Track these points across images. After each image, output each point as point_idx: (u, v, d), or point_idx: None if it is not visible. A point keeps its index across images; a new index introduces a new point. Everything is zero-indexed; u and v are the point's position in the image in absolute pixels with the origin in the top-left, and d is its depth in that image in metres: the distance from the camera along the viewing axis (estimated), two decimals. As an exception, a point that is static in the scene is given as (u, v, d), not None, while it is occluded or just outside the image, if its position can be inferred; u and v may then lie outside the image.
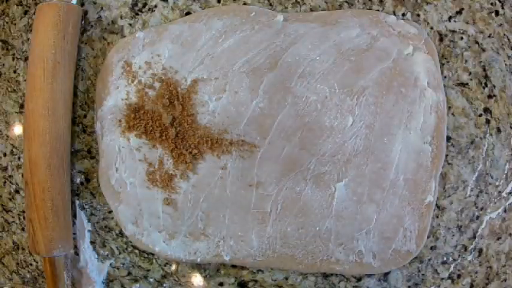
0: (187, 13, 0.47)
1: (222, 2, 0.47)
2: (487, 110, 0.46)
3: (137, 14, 0.48)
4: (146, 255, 0.48)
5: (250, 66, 0.45)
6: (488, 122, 0.46)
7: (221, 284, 0.48)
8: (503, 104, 0.46)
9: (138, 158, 0.46)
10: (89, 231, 0.49)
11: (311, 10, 0.47)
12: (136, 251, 0.48)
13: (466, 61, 0.46)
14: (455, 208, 0.47)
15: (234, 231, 0.46)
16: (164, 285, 0.49)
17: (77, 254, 0.49)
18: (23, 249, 0.50)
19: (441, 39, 0.46)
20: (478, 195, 0.46)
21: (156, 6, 0.47)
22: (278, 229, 0.46)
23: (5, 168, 0.50)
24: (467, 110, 0.46)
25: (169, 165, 0.46)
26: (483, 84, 0.46)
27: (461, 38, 0.46)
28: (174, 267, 0.48)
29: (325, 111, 0.45)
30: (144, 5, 0.48)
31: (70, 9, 0.45)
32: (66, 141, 0.46)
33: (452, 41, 0.46)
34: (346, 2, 0.47)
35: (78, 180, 0.49)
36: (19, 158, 0.50)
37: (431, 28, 0.46)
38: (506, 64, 0.46)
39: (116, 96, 0.46)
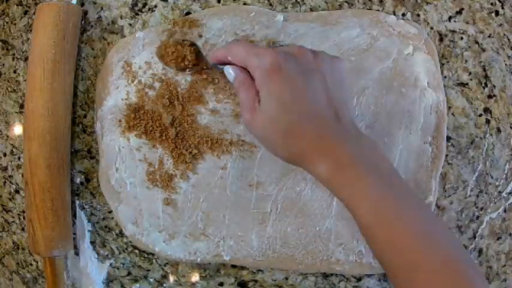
0: (188, 13, 0.47)
1: (222, 2, 0.47)
2: (487, 110, 0.46)
3: (137, 14, 0.48)
4: (146, 255, 0.48)
5: (250, 66, 0.45)
6: (488, 122, 0.46)
7: (221, 284, 0.48)
8: (503, 104, 0.46)
9: (138, 158, 0.46)
10: (89, 231, 0.49)
11: (311, 10, 0.47)
12: (136, 251, 0.48)
13: (466, 61, 0.46)
14: (455, 208, 0.47)
15: (234, 231, 0.46)
16: (164, 285, 0.49)
17: (77, 254, 0.49)
18: (23, 249, 0.50)
19: (441, 39, 0.46)
20: (478, 195, 0.46)
21: (156, 6, 0.47)
22: (278, 229, 0.46)
23: (5, 168, 0.50)
24: (467, 110, 0.46)
25: (169, 165, 0.46)
26: (483, 84, 0.46)
27: (461, 38, 0.46)
28: (174, 267, 0.48)
29: (325, 111, 0.45)
30: (144, 5, 0.48)
31: (70, 9, 0.45)
32: (66, 141, 0.46)
33: (452, 41, 0.46)
34: (346, 2, 0.47)
35: (78, 180, 0.49)
36: (19, 158, 0.50)
37: (431, 28, 0.46)
38: (506, 64, 0.46)
39: (116, 96, 0.46)
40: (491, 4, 0.46)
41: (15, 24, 0.49)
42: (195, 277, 0.48)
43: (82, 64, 0.48)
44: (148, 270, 0.49)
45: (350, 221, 0.45)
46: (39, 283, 0.50)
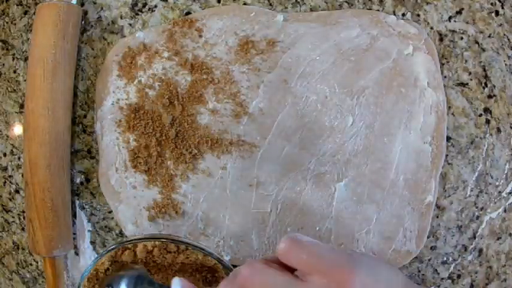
0: (188, 13, 0.47)
1: (222, 2, 0.47)
2: (487, 110, 0.46)
3: (137, 14, 0.48)
4: (146, 255, 0.48)
5: (250, 66, 0.45)
6: (488, 122, 0.46)
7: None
8: (503, 104, 0.46)
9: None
10: (89, 231, 0.49)
11: (311, 10, 0.47)
12: (136, 251, 0.48)
13: (466, 61, 0.46)
14: (455, 208, 0.47)
15: (234, 231, 0.46)
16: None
17: (77, 254, 0.49)
18: (23, 249, 0.50)
19: (441, 39, 0.46)
20: (478, 195, 0.46)
21: (156, 6, 0.47)
22: (278, 229, 0.46)
23: (5, 168, 0.50)
24: (467, 110, 0.46)
25: (169, 165, 0.46)
26: (483, 84, 0.46)
27: (461, 38, 0.46)
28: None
29: (325, 111, 0.45)
30: (144, 5, 0.48)
31: (70, 9, 0.45)
32: (66, 141, 0.46)
33: (452, 41, 0.46)
34: (346, 2, 0.47)
35: (78, 180, 0.49)
36: (19, 158, 0.50)
37: (431, 28, 0.46)
38: (506, 64, 0.46)
39: (116, 96, 0.46)
40: (491, 4, 0.46)
41: (15, 24, 0.49)
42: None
43: (82, 64, 0.48)
44: (148, 270, 0.49)
45: (350, 221, 0.45)
46: (39, 283, 0.50)
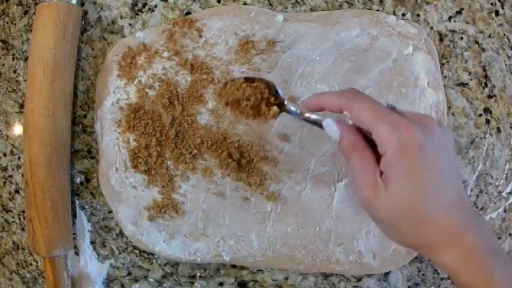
0: (188, 13, 0.47)
1: (222, 2, 0.47)
2: (487, 110, 0.46)
3: (137, 14, 0.48)
4: (146, 255, 0.48)
5: (250, 66, 0.45)
6: (488, 122, 0.46)
7: (221, 284, 0.48)
8: (503, 104, 0.46)
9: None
10: (89, 231, 0.49)
11: (311, 10, 0.47)
12: (136, 251, 0.48)
13: (466, 61, 0.46)
14: (455, 208, 0.46)
15: (234, 231, 0.46)
16: (164, 285, 0.49)
17: (77, 254, 0.49)
18: (23, 249, 0.50)
19: (441, 39, 0.46)
20: (478, 195, 0.46)
21: (156, 6, 0.47)
22: (278, 229, 0.46)
23: (5, 168, 0.50)
24: (467, 110, 0.46)
25: (170, 165, 0.46)
26: (483, 84, 0.46)
27: (461, 38, 0.46)
28: (174, 267, 0.48)
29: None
30: (144, 5, 0.48)
31: (70, 9, 0.45)
32: (66, 141, 0.46)
33: (452, 41, 0.46)
34: (346, 2, 0.47)
35: (78, 180, 0.49)
36: (19, 158, 0.50)
37: (431, 28, 0.46)
38: (506, 64, 0.46)
39: (116, 96, 0.46)
40: (491, 4, 0.46)
41: (15, 24, 0.49)
42: (195, 277, 0.48)
43: (82, 64, 0.48)
44: (148, 270, 0.49)
45: (350, 221, 0.45)
46: (39, 283, 0.50)
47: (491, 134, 0.46)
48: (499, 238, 0.47)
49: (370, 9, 0.46)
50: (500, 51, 0.46)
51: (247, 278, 0.48)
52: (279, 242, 0.46)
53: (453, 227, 0.31)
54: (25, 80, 0.49)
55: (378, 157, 0.32)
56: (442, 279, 0.47)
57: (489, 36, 0.46)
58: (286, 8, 0.47)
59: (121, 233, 0.48)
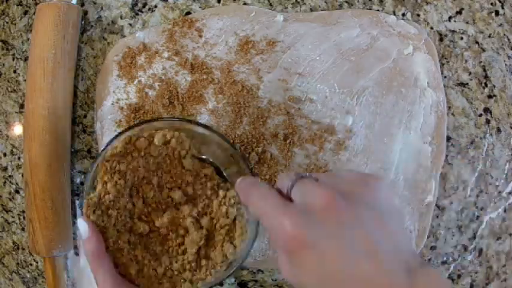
0: (188, 13, 0.47)
1: (222, 2, 0.47)
2: (487, 110, 0.46)
3: (137, 14, 0.48)
4: (146, 255, 0.48)
5: (250, 66, 0.45)
6: (488, 122, 0.46)
7: (221, 284, 0.48)
8: (503, 104, 0.46)
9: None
10: (89, 231, 0.49)
11: (311, 10, 0.47)
12: (136, 251, 0.48)
13: (466, 61, 0.46)
14: (455, 208, 0.47)
15: (234, 231, 0.46)
16: (164, 285, 0.49)
17: (76, 254, 0.49)
18: (23, 249, 0.50)
19: (441, 39, 0.46)
20: (478, 195, 0.46)
21: (156, 6, 0.47)
22: (278, 229, 0.46)
23: (5, 168, 0.50)
24: (467, 110, 0.46)
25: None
26: (483, 84, 0.46)
27: (461, 38, 0.46)
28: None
29: (325, 111, 0.45)
30: (144, 5, 0.48)
31: (70, 9, 0.45)
32: (66, 141, 0.46)
33: (452, 41, 0.46)
34: (346, 2, 0.47)
35: (78, 180, 0.49)
36: (19, 158, 0.50)
37: (431, 28, 0.46)
38: (506, 64, 0.46)
39: (116, 96, 0.46)
40: (491, 4, 0.46)
41: (15, 24, 0.49)
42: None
43: (82, 64, 0.48)
44: (148, 270, 0.49)
45: (350, 221, 0.45)
46: (39, 283, 0.50)
47: (491, 134, 0.46)
48: (499, 238, 0.47)
49: (370, 9, 0.46)
50: (500, 51, 0.46)
51: (247, 278, 0.48)
52: (279, 242, 0.46)
53: None
54: (25, 80, 0.49)
55: None
56: (442, 279, 0.47)
57: (489, 36, 0.46)
58: (286, 8, 0.47)
59: (121, 233, 0.48)
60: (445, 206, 0.47)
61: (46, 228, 0.44)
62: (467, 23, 0.46)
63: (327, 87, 0.45)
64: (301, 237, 0.26)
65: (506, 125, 0.46)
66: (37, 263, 0.50)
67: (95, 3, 0.48)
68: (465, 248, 0.47)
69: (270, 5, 0.47)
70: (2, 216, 0.50)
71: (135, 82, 0.46)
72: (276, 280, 0.48)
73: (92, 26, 0.48)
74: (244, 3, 0.47)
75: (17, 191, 0.50)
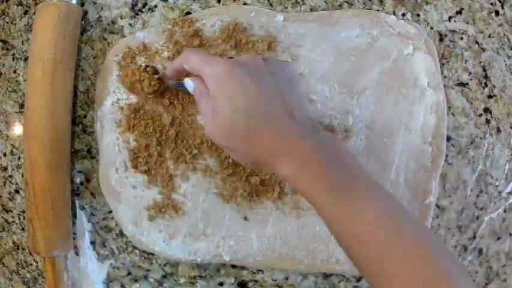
0: (188, 13, 0.47)
1: (222, 2, 0.47)
2: (487, 110, 0.46)
3: (137, 14, 0.48)
4: (146, 255, 0.48)
5: (250, 66, 0.45)
6: (488, 122, 0.46)
7: (221, 284, 0.48)
8: (503, 104, 0.46)
9: (138, 158, 0.46)
10: (89, 231, 0.49)
11: (311, 10, 0.47)
12: (137, 251, 0.48)
13: (466, 61, 0.46)
14: (455, 208, 0.47)
15: (234, 231, 0.46)
16: (164, 285, 0.49)
17: (77, 254, 0.49)
18: (23, 249, 0.50)
19: (441, 39, 0.46)
20: (478, 195, 0.46)
21: (156, 6, 0.47)
22: (278, 229, 0.46)
23: (5, 168, 0.50)
24: (467, 110, 0.46)
25: (170, 165, 0.46)
26: (483, 84, 0.46)
27: (461, 38, 0.46)
28: (174, 267, 0.48)
29: (325, 111, 0.45)
30: (144, 5, 0.48)
31: (70, 9, 0.45)
32: (66, 141, 0.46)
33: (452, 41, 0.46)
34: (346, 2, 0.47)
35: (78, 180, 0.49)
36: (19, 158, 0.50)
37: (431, 28, 0.46)
38: (506, 64, 0.46)
39: (116, 96, 0.46)
40: (491, 4, 0.46)
41: (15, 24, 0.49)
42: (195, 277, 0.48)
43: (82, 64, 0.48)
44: (148, 270, 0.49)
45: (350, 221, 0.45)
46: (39, 283, 0.50)
47: (491, 134, 0.46)
48: (499, 238, 0.47)
49: (370, 9, 0.46)
50: (500, 51, 0.46)
51: (247, 278, 0.48)
52: (279, 242, 0.46)
53: (282, 138, 0.34)
54: (25, 80, 0.49)
55: None
56: (442, 279, 0.47)
57: (489, 36, 0.46)
58: (286, 8, 0.47)
59: (121, 233, 0.48)
60: (445, 206, 0.47)
61: (46, 228, 0.44)
62: (467, 23, 0.46)
63: (327, 87, 0.45)
64: (231, 70, 0.35)
65: (506, 125, 0.46)
66: (37, 263, 0.50)
67: (95, 3, 0.48)
68: (465, 248, 0.47)
69: (270, 5, 0.47)
70: (2, 216, 0.50)
71: (135, 82, 0.46)
72: (276, 280, 0.48)
73: (92, 26, 0.48)
74: (244, 3, 0.47)
75: (17, 191, 0.50)
